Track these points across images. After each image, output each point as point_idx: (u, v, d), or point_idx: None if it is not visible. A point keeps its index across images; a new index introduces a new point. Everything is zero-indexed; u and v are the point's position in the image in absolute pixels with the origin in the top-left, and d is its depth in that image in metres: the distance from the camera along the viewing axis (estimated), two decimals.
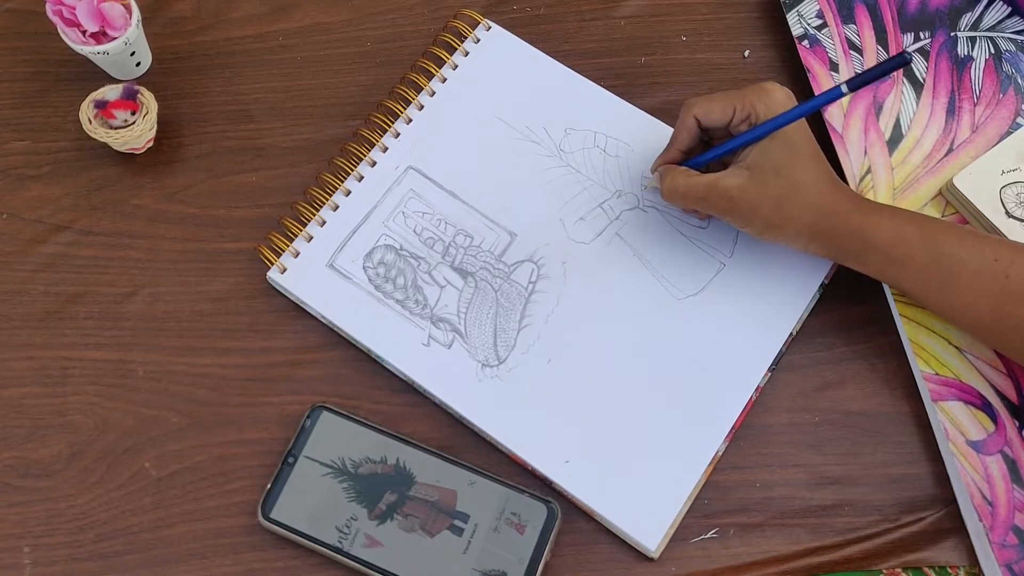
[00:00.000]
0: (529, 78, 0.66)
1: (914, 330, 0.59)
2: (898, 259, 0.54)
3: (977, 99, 0.65)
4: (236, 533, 0.55)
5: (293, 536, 0.53)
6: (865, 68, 0.65)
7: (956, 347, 0.58)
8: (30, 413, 0.58)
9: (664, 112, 0.65)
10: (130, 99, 0.61)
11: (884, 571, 0.55)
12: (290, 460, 0.55)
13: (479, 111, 0.65)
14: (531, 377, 0.57)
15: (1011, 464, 0.56)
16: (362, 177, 0.63)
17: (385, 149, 0.63)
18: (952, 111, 0.64)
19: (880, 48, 0.66)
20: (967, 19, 0.67)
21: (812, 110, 0.53)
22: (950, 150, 0.63)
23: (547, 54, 0.66)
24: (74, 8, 0.60)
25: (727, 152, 0.56)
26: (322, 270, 0.60)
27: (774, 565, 0.55)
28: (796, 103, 0.55)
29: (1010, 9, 0.67)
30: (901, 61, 0.50)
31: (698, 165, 0.58)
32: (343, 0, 0.69)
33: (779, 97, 0.55)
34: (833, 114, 0.64)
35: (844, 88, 0.52)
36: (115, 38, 0.62)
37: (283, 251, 0.60)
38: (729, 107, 0.55)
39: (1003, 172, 0.61)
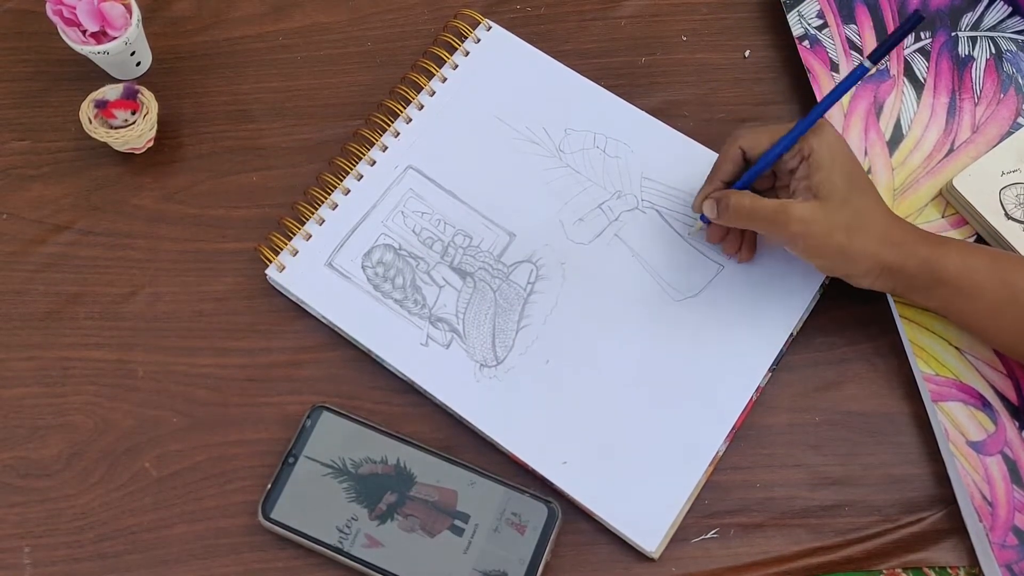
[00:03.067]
0: (529, 78, 0.66)
1: (914, 330, 0.59)
2: (968, 291, 0.53)
3: (978, 99, 0.65)
4: (236, 533, 0.55)
5: (293, 536, 0.53)
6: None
7: (956, 347, 0.58)
8: (30, 413, 0.58)
9: (664, 112, 0.65)
10: (130, 99, 0.61)
11: (884, 571, 0.55)
12: (290, 460, 0.55)
13: (479, 111, 0.65)
14: (529, 378, 0.57)
15: (1011, 465, 0.56)
16: (361, 176, 0.63)
17: (385, 148, 0.63)
18: (953, 111, 0.64)
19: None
20: (968, 19, 0.67)
21: (844, 92, 0.53)
22: (950, 150, 0.63)
23: (547, 54, 0.66)
24: (74, 8, 0.60)
25: (766, 166, 0.56)
26: (321, 269, 0.60)
27: (774, 565, 0.55)
28: (842, 137, 0.55)
29: (1011, 9, 0.67)
30: (916, 19, 0.49)
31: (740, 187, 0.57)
32: (343, 0, 0.69)
33: (829, 131, 0.54)
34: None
35: (867, 63, 0.51)
36: (115, 38, 0.62)
37: (282, 250, 0.60)
38: (775, 137, 0.55)
39: (1003, 173, 0.61)
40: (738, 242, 0.59)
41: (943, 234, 0.61)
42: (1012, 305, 0.53)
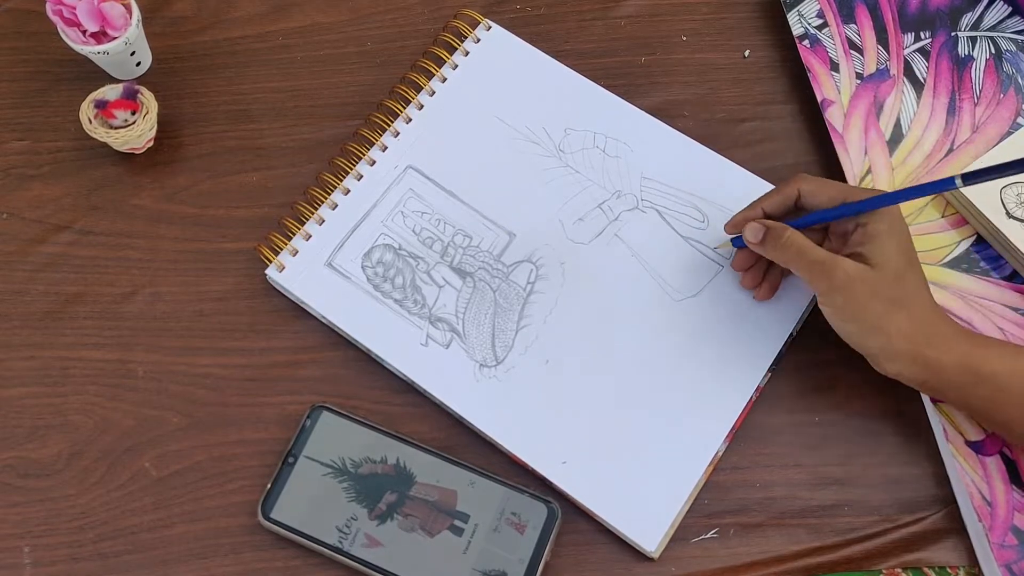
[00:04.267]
0: (529, 78, 0.66)
1: None
2: (1014, 392, 0.51)
3: (977, 99, 0.65)
4: (236, 533, 0.55)
5: (293, 536, 0.53)
6: (867, 69, 0.65)
7: None
8: (30, 413, 0.58)
9: (664, 112, 0.65)
10: (130, 99, 0.61)
11: (884, 571, 0.55)
12: (290, 460, 0.55)
13: (479, 111, 0.65)
14: (529, 377, 0.57)
15: (1010, 465, 0.56)
16: (361, 176, 0.63)
17: (385, 148, 0.63)
18: (952, 111, 0.64)
19: (880, 48, 0.66)
20: (968, 19, 0.67)
21: (919, 195, 0.51)
22: (950, 150, 0.63)
23: (547, 54, 0.66)
24: (74, 8, 0.60)
25: (817, 222, 0.54)
26: (320, 269, 0.60)
27: (774, 565, 0.55)
28: (904, 220, 0.53)
29: (1011, 9, 0.67)
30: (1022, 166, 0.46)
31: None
32: (343, 0, 0.69)
33: (894, 210, 0.52)
34: (833, 114, 0.64)
35: (958, 181, 0.48)
36: (115, 38, 0.62)
37: (282, 250, 0.60)
38: (840, 196, 0.53)
39: None
40: (760, 277, 0.58)
41: (943, 234, 0.61)
42: None
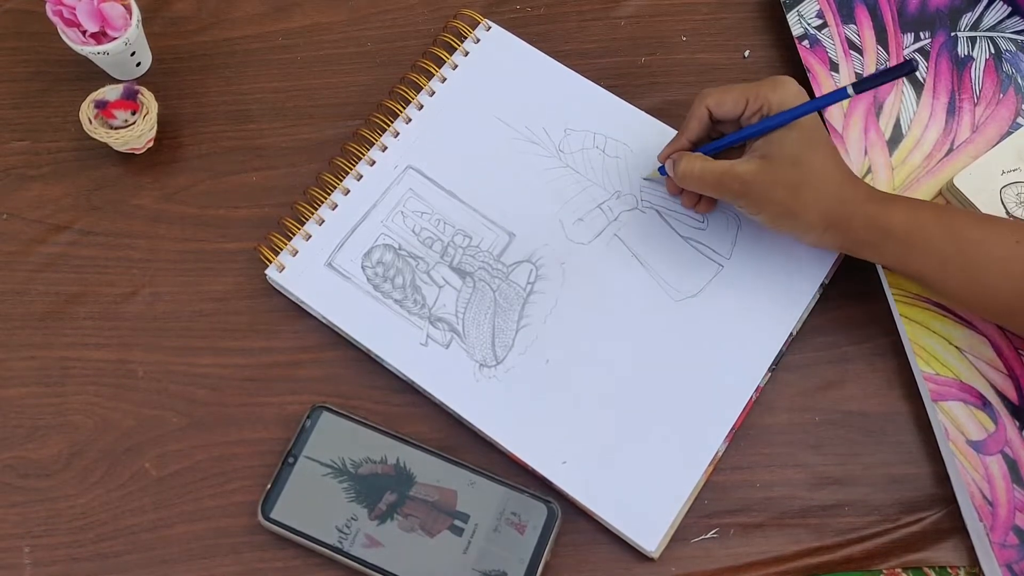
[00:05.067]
0: (529, 78, 0.66)
1: (914, 330, 0.59)
2: (917, 246, 0.54)
3: (977, 99, 0.65)
4: (236, 533, 0.55)
5: (293, 536, 0.53)
6: (866, 69, 0.65)
7: (956, 347, 0.58)
8: (30, 413, 0.58)
9: (664, 112, 0.65)
10: (130, 99, 0.61)
11: (884, 571, 0.55)
12: (290, 460, 0.55)
13: (479, 111, 0.65)
14: (529, 377, 0.57)
15: (1011, 464, 0.56)
16: (361, 176, 0.63)
17: (384, 148, 0.63)
18: (952, 111, 0.64)
19: (880, 48, 0.66)
20: (967, 19, 0.67)
21: (819, 107, 0.54)
22: (950, 150, 0.63)
23: (547, 54, 0.66)
24: (74, 8, 0.60)
25: (736, 141, 0.57)
26: (320, 269, 0.60)
27: (774, 565, 0.55)
28: (806, 95, 0.55)
29: (1010, 9, 0.67)
30: (908, 68, 0.50)
31: (707, 153, 0.58)
32: (343, 0, 0.69)
33: (792, 90, 0.55)
34: (833, 114, 0.64)
35: (850, 90, 0.53)
36: (115, 38, 0.62)
37: (282, 250, 0.60)
38: (742, 99, 0.56)
39: (1003, 172, 0.61)
40: (695, 196, 0.60)
41: None
42: (959, 256, 0.53)
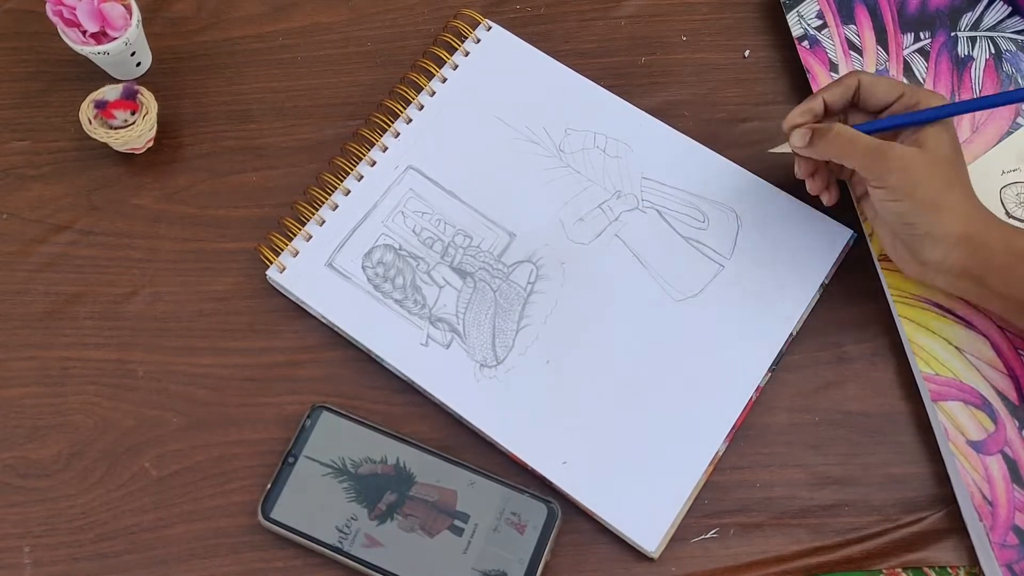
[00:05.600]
0: (529, 78, 0.66)
1: (914, 330, 0.59)
2: None
3: None
4: (236, 533, 0.55)
5: (293, 536, 0.53)
6: (866, 70, 0.65)
7: (956, 347, 0.58)
8: (30, 413, 0.58)
9: (664, 112, 0.65)
10: (130, 99, 0.61)
11: (884, 571, 0.55)
12: (290, 460, 0.55)
13: (479, 111, 0.65)
14: (529, 378, 0.57)
15: (1011, 464, 0.56)
16: (362, 177, 0.63)
17: (385, 149, 0.63)
18: None
19: (880, 48, 0.66)
20: (967, 19, 0.67)
21: (991, 106, 0.54)
22: None
23: (547, 54, 0.66)
24: (74, 8, 0.60)
25: (890, 128, 0.55)
26: (321, 269, 0.60)
27: (774, 565, 0.55)
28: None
29: (1010, 9, 0.67)
30: None
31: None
32: (343, 0, 0.69)
33: (946, 98, 0.54)
34: None
35: None
36: (115, 38, 0.62)
37: (283, 250, 0.60)
38: (897, 89, 0.55)
39: (1003, 172, 0.61)
40: (826, 181, 0.58)
41: None
42: None
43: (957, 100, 0.64)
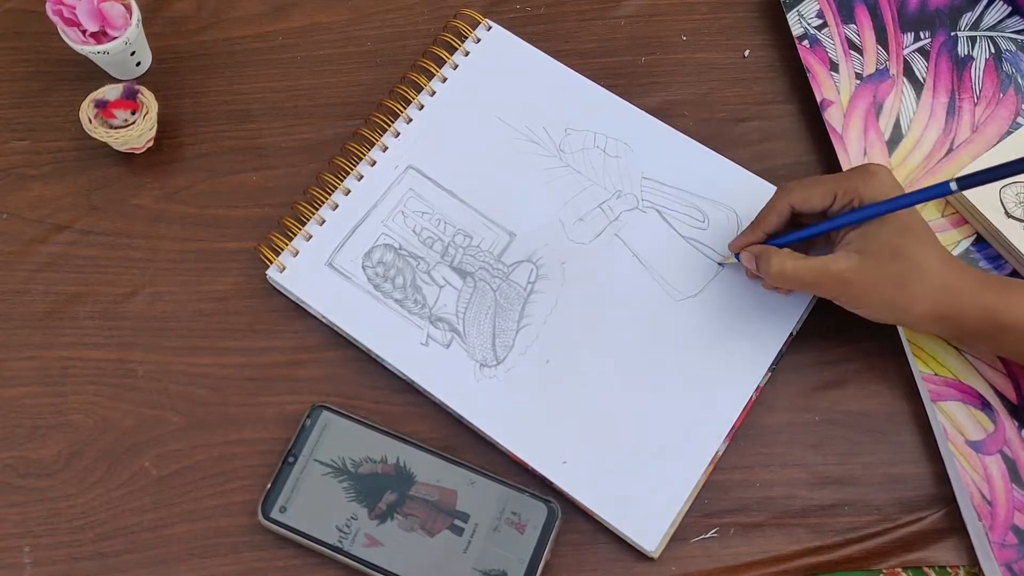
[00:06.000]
0: (529, 78, 0.66)
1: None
2: None
3: (977, 99, 0.65)
4: (236, 533, 0.55)
5: (293, 536, 0.53)
6: (866, 70, 0.65)
7: (955, 347, 0.58)
8: (30, 413, 0.58)
9: (664, 112, 0.65)
10: (130, 99, 0.61)
11: (884, 571, 0.55)
12: (290, 460, 0.55)
13: (479, 111, 0.65)
14: (529, 377, 0.57)
15: (1010, 464, 0.56)
16: (362, 176, 0.63)
17: (385, 148, 0.63)
18: (952, 111, 0.64)
19: (880, 48, 0.66)
20: (967, 19, 0.67)
21: (921, 200, 0.51)
22: (950, 150, 0.63)
23: (547, 54, 0.66)
24: (74, 8, 0.60)
25: (821, 233, 0.55)
26: (321, 269, 0.60)
27: (774, 565, 0.55)
28: (901, 186, 0.53)
29: (1010, 9, 0.67)
30: (1020, 166, 0.46)
31: (786, 244, 0.56)
32: (343, 0, 0.69)
33: (885, 179, 0.53)
34: (833, 114, 0.64)
35: (953, 185, 0.49)
36: (115, 38, 0.62)
37: (283, 250, 0.60)
38: (830, 193, 0.53)
39: None
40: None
41: (943, 234, 0.61)
42: None
43: (957, 100, 0.64)
